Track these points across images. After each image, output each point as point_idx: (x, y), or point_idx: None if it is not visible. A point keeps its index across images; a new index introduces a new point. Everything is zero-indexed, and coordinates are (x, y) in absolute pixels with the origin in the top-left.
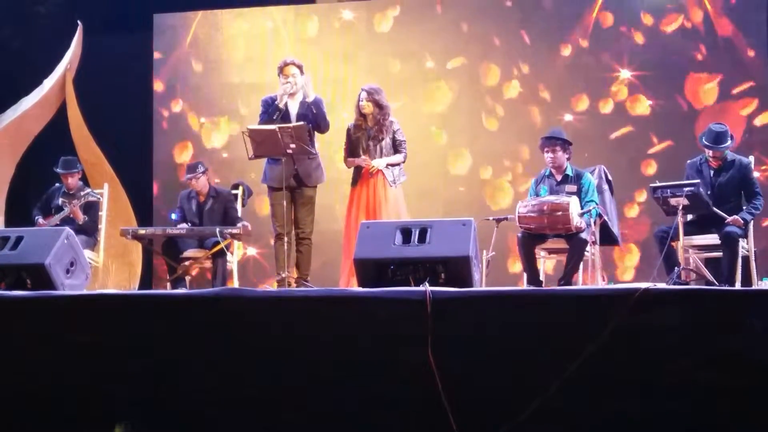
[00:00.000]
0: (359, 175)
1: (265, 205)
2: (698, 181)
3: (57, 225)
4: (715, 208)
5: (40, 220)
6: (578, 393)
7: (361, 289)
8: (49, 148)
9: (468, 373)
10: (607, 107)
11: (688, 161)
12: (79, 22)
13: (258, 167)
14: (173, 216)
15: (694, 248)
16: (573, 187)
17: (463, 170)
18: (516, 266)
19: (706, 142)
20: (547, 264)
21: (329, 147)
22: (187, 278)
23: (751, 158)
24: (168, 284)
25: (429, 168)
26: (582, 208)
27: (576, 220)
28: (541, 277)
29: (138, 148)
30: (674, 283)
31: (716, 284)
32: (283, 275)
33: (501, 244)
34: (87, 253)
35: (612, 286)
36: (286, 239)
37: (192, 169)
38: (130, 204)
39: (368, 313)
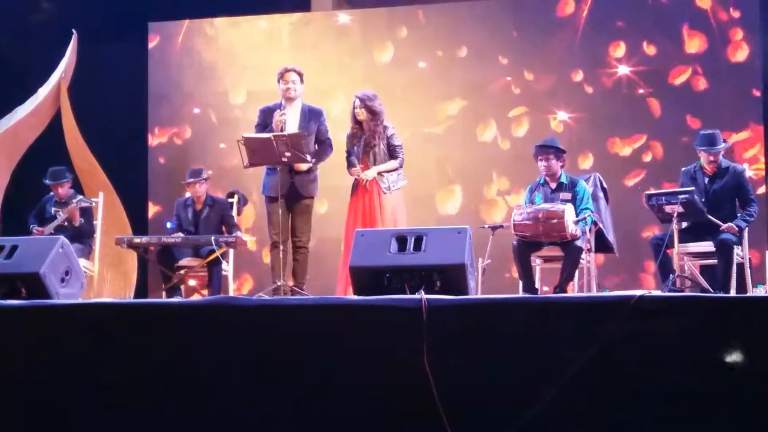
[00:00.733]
0: (357, 184)
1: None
2: (693, 188)
3: (51, 234)
4: (709, 216)
5: (36, 228)
6: (574, 400)
7: (356, 297)
8: (44, 156)
9: (464, 380)
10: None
11: (683, 169)
12: (73, 30)
13: (256, 177)
14: (169, 225)
15: (689, 255)
16: (568, 195)
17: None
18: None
19: (701, 146)
20: (543, 272)
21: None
22: (182, 287)
23: (745, 165)
24: (163, 293)
25: (425, 176)
26: (577, 216)
27: (571, 228)
28: (537, 285)
29: (133, 157)
30: (669, 291)
31: (711, 291)
32: (279, 284)
33: (497, 251)
34: (82, 262)
35: (607, 293)
36: (281, 248)
37: (196, 174)
38: (125, 212)
39: (364, 320)
